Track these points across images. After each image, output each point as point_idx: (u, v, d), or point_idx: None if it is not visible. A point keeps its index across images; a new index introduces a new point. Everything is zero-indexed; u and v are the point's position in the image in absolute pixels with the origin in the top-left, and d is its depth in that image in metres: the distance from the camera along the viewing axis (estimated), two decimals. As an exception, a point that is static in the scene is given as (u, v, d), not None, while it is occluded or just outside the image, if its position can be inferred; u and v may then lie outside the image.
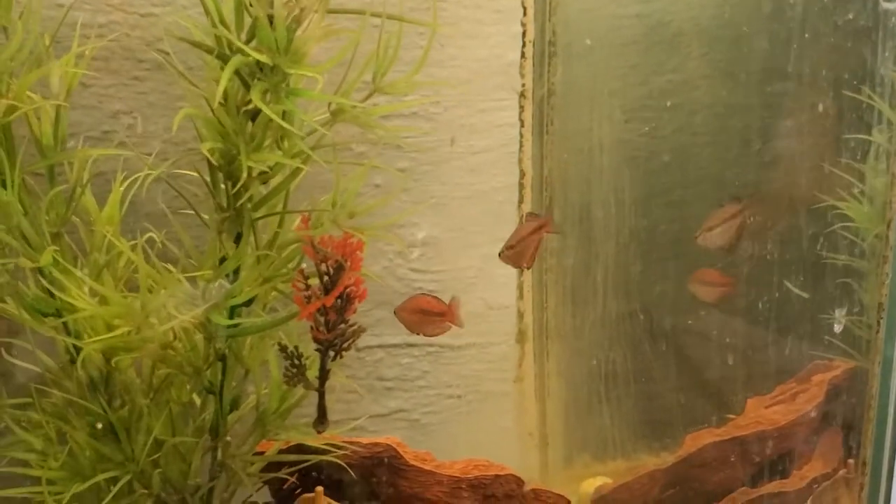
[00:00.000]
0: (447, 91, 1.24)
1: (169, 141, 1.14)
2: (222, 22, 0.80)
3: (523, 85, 1.31)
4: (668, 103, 1.37)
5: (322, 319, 0.93)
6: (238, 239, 0.94)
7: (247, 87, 0.84)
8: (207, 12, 0.82)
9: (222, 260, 0.93)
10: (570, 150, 1.35)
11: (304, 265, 0.96)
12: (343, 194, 0.90)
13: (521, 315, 1.37)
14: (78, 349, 0.99)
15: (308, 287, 0.93)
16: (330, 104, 0.87)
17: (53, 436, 0.98)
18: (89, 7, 1.08)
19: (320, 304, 0.90)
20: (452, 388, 1.36)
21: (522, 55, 1.30)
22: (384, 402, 1.33)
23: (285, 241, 0.93)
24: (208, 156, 0.86)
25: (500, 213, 1.32)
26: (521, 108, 1.32)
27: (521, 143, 1.32)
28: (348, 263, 0.90)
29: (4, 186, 0.93)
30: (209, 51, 0.82)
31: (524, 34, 1.30)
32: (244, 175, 0.85)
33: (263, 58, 0.76)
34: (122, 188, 1.01)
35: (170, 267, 0.99)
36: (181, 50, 0.93)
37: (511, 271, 1.34)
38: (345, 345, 0.95)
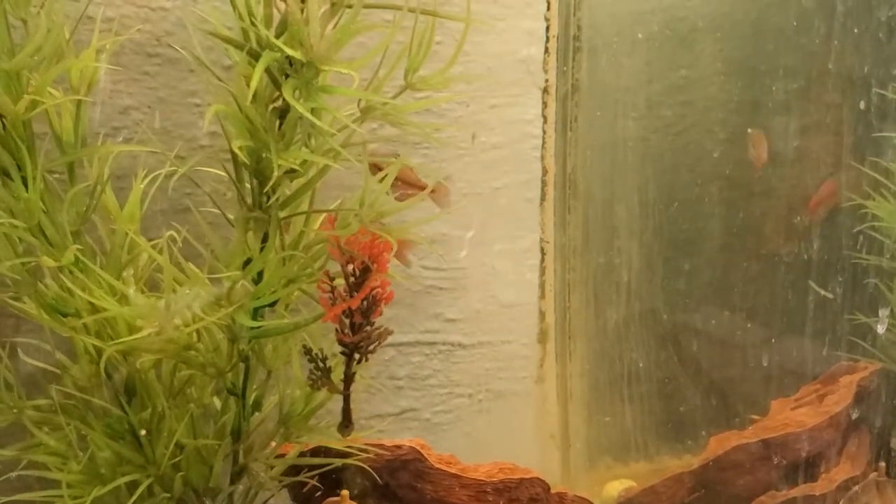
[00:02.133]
0: (467, 87, 1.21)
1: (179, 137, 1.12)
2: (251, 16, 0.78)
3: (546, 81, 1.29)
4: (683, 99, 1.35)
5: (347, 322, 0.91)
6: (265, 238, 0.92)
7: (275, 83, 0.82)
8: (235, 6, 0.80)
9: (247, 261, 0.91)
10: (594, 146, 1.33)
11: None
12: (371, 194, 0.88)
13: (542, 315, 1.35)
14: (98, 350, 0.97)
15: (333, 289, 0.91)
16: (359, 101, 0.85)
17: (73, 438, 0.96)
18: (100, 0, 1.06)
19: (346, 306, 0.88)
20: (463, 388, 1.33)
21: (546, 51, 1.28)
22: (395, 402, 1.31)
23: (311, 242, 0.90)
24: (239, 153, 0.84)
25: (518, 210, 1.30)
26: (544, 104, 1.29)
27: (543, 139, 1.30)
28: (375, 265, 0.88)
29: (25, 184, 0.91)
30: (239, 46, 0.79)
31: (547, 29, 1.27)
32: (275, 173, 0.83)
33: (297, 54, 0.74)
34: (141, 185, 0.99)
35: (192, 266, 0.97)
36: (192, 46, 0.90)
37: (526, 269, 1.32)
38: (370, 347, 0.93)
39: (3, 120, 0.88)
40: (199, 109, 1.13)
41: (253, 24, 0.78)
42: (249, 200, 0.89)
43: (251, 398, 1.02)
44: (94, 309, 0.95)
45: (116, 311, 0.90)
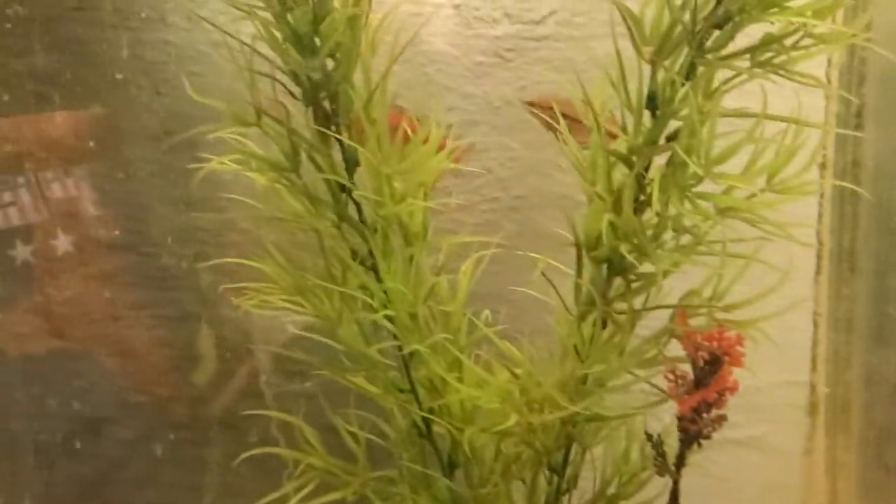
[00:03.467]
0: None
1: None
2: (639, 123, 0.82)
3: (824, 155, 1.30)
4: None
5: (692, 410, 0.94)
6: (603, 325, 0.96)
7: (640, 185, 0.86)
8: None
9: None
10: (871, 220, 1.33)
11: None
12: (719, 286, 0.91)
13: (813, 387, 1.35)
14: (426, 421, 1.03)
15: (677, 378, 0.94)
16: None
17: (409, 508, 1.02)
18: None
19: (700, 398, 0.91)
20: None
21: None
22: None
23: (659, 333, 0.94)
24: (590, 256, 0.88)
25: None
26: (822, 177, 1.30)
27: (819, 212, 1.31)
28: (727, 358, 0.91)
29: (375, 270, 0.98)
30: (625, 161, 0.84)
31: (826, 107, 1.28)
32: (636, 272, 0.86)
33: (699, 168, 0.78)
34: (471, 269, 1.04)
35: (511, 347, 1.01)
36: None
37: (798, 341, 1.33)
38: (708, 433, 0.96)
39: (377, 217, 0.96)
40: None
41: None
42: (596, 294, 0.92)
43: (570, 475, 1.06)
44: (433, 387, 1.02)
45: (467, 394, 0.96)
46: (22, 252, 1.29)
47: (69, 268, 1.33)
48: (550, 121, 0.95)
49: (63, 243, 1.31)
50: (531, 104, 1.08)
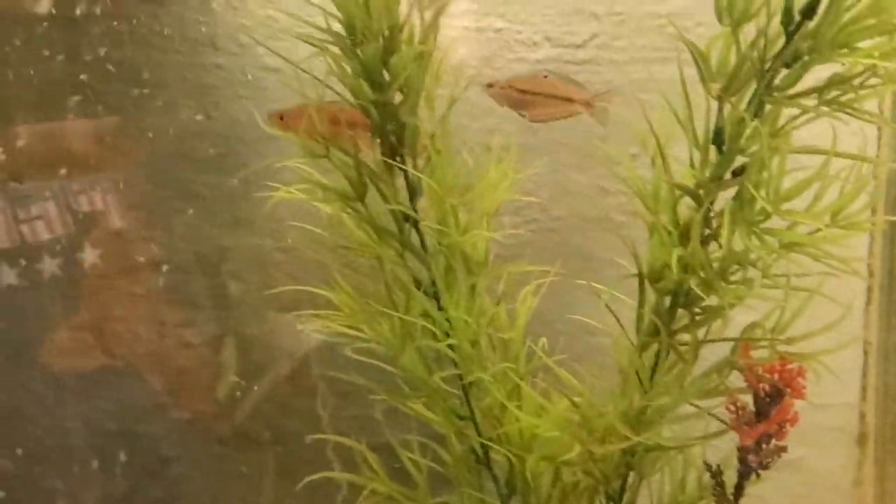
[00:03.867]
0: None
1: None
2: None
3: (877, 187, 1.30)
4: None
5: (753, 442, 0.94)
6: (661, 357, 0.97)
7: (707, 221, 0.87)
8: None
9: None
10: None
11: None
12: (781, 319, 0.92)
13: (862, 416, 1.35)
14: (484, 447, 1.04)
15: (737, 409, 0.95)
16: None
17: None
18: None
19: (763, 430, 0.92)
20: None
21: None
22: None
23: (721, 364, 0.95)
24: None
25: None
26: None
27: (870, 243, 1.32)
28: (789, 390, 0.92)
29: (437, 298, 1.00)
30: (693, 196, 0.85)
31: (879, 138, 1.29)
32: (700, 305, 0.88)
33: (767, 205, 0.79)
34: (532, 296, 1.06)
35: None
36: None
37: (848, 370, 1.33)
38: (767, 464, 0.96)
39: (439, 246, 0.98)
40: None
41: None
42: (660, 323, 0.93)
43: (626, 503, 1.07)
44: (492, 414, 1.03)
45: (528, 422, 0.97)
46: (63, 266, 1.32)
47: (116, 285, 1.36)
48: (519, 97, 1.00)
49: (109, 260, 1.34)
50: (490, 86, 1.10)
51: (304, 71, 0.93)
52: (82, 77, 1.27)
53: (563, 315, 1.09)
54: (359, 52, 0.93)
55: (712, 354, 0.96)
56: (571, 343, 1.03)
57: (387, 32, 0.92)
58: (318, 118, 0.95)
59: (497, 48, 1.33)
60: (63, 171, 1.29)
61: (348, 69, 0.94)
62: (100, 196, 1.33)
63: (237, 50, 1.32)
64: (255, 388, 1.34)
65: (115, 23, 1.27)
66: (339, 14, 0.93)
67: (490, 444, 1.01)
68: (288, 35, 1.38)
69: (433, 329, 0.98)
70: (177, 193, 1.34)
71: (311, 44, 0.94)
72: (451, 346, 0.99)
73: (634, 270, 0.94)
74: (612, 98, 1.11)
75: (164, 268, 1.34)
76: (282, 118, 1.04)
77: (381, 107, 0.94)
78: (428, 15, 0.95)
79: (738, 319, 0.94)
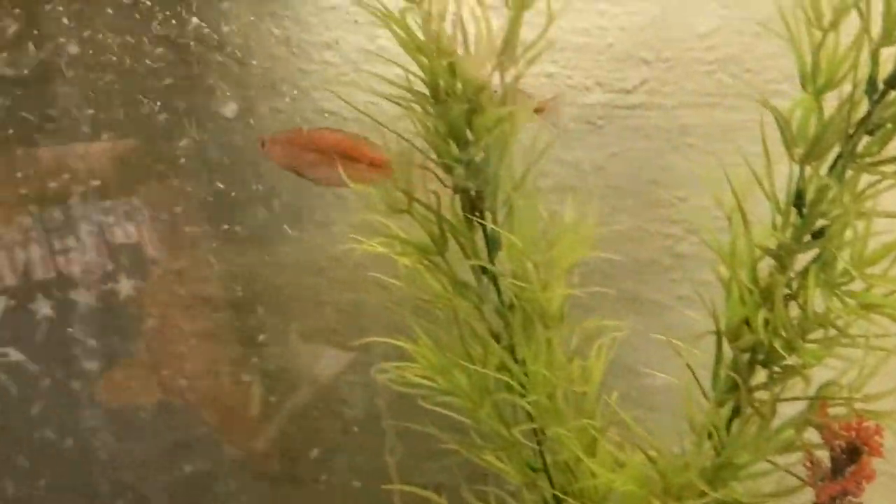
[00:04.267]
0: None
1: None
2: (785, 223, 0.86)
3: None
4: None
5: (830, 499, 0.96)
6: (737, 413, 0.98)
7: (781, 264, 0.89)
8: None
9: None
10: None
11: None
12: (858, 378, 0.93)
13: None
14: (557, 500, 1.06)
15: (813, 465, 0.96)
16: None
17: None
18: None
19: (841, 488, 0.93)
20: None
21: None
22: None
23: (798, 421, 0.96)
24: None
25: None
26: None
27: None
28: (867, 448, 0.93)
29: (513, 352, 1.02)
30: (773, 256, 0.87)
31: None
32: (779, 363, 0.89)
33: (854, 271, 0.81)
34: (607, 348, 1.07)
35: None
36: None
37: None
38: (842, 520, 0.98)
39: (517, 300, 1.00)
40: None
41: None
42: (738, 381, 0.95)
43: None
44: (567, 468, 1.04)
45: (606, 478, 0.98)
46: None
47: (174, 324, 1.39)
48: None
49: (156, 295, 1.37)
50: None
51: (369, 116, 0.96)
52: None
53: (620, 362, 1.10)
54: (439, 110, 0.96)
55: (786, 409, 0.97)
56: (628, 390, 1.05)
57: (472, 95, 0.94)
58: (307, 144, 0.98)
59: (548, 93, 1.35)
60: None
61: (430, 126, 0.97)
62: (144, 229, 1.37)
63: (296, 94, 1.37)
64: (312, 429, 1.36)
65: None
66: (421, 73, 0.96)
67: (564, 497, 1.02)
68: (343, 81, 1.43)
69: (511, 382, 0.99)
70: (225, 234, 1.37)
71: (397, 103, 0.96)
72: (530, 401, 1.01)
73: (697, 317, 0.96)
74: (557, 105, 1.13)
75: (220, 305, 1.37)
76: (263, 145, 1.04)
77: (466, 165, 0.96)
78: (509, 76, 0.98)
79: (815, 375, 0.95)
